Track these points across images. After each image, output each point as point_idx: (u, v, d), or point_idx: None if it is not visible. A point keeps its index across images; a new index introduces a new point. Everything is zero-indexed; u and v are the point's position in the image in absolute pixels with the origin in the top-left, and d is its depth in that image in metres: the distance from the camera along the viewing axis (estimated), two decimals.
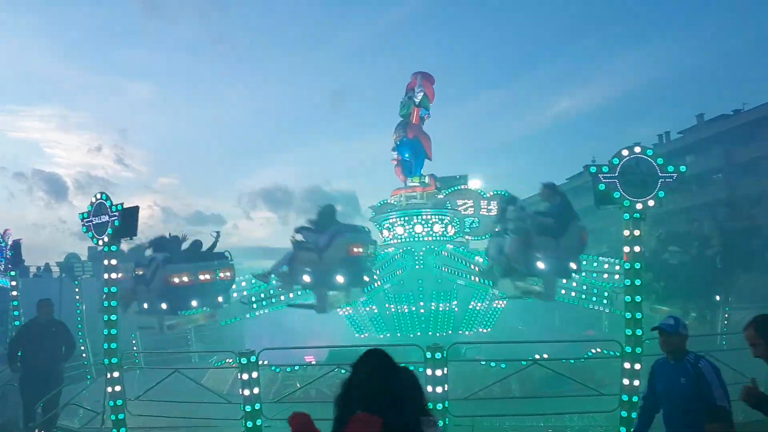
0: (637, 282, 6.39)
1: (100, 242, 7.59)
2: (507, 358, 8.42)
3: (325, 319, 11.64)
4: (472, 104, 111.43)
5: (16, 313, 9.98)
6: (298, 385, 9.06)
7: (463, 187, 15.15)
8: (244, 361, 6.87)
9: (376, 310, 12.27)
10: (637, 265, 6.41)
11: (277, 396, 8.42)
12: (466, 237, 13.85)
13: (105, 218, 7.55)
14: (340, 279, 8.79)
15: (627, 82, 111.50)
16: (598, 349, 9.77)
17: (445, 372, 6.50)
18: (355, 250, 9.07)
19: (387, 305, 12.04)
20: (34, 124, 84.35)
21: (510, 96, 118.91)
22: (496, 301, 12.12)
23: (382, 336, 11.86)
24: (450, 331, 11.69)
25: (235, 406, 7.44)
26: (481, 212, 14.22)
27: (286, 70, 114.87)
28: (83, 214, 7.72)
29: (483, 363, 8.80)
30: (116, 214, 7.45)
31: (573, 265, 7.98)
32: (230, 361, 11.32)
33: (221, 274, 9.96)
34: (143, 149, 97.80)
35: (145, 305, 9.73)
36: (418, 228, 12.67)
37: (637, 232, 6.41)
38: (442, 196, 13.69)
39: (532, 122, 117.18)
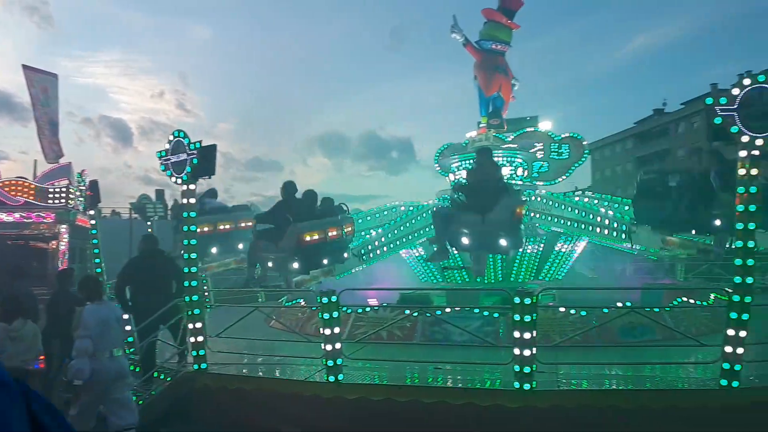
0: (751, 226, 5.87)
1: (179, 181, 7.54)
2: (586, 306, 8.21)
3: (389, 263, 11.65)
4: (540, 43, 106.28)
5: (96, 251, 10.19)
6: (366, 326, 9.07)
7: (529, 129, 14.57)
8: (325, 300, 6.80)
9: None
10: (752, 208, 5.85)
11: (349, 337, 8.42)
12: (537, 183, 13.31)
13: (183, 156, 7.44)
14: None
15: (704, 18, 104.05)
16: (684, 298, 9.31)
17: (534, 318, 6.24)
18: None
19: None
20: (99, 70, 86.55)
21: (584, 32, 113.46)
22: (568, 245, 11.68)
23: (461, 282, 11.63)
24: (531, 279, 11.42)
25: (310, 345, 7.48)
26: (551, 156, 13.66)
27: (343, 7, 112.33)
28: (161, 152, 7.62)
29: (563, 310, 8.50)
30: (194, 152, 7.33)
31: None
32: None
33: (347, 230, 9.99)
34: (202, 94, 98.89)
35: (270, 264, 9.83)
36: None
37: (754, 171, 5.82)
38: (511, 137, 13.12)
39: (604, 61, 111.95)
